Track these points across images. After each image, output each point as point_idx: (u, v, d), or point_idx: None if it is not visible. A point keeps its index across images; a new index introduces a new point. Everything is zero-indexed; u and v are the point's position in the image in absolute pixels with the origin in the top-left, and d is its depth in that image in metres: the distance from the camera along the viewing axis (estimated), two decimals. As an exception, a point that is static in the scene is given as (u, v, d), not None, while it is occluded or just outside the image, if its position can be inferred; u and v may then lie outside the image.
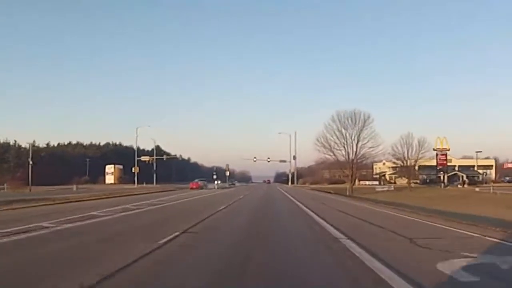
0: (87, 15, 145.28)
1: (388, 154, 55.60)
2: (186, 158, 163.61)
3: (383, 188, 50.87)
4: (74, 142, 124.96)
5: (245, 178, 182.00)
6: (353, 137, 47.15)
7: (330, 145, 47.88)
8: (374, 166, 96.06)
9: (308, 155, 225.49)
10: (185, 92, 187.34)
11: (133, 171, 68.56)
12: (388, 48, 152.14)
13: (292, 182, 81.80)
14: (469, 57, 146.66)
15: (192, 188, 50.99)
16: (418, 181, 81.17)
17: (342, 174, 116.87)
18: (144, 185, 65.02)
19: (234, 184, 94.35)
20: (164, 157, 77.84)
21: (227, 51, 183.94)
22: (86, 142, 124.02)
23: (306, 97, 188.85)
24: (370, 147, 47.17)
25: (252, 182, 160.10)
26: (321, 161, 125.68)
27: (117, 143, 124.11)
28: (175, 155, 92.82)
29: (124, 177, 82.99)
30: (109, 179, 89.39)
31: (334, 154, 48.31)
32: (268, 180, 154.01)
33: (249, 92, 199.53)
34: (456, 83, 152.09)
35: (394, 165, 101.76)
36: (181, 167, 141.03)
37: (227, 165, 79.68)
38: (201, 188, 52.88)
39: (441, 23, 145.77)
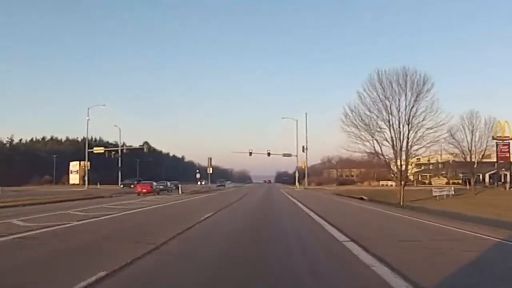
0: (87, 15, 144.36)
1: (445, 141, 37.06)
2: (180, 156, 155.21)
3: (441, 192, 33.90)
4: (48, 137, 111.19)
5: (244, 178, 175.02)
6: (402, 112, 29.97)
7: (368, 125, 30.46)
8: (391, 163, 78.56)
9: (309, 154, 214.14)
10: (185, 92, 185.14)
11: (82, 166, 51.97)
12: (388, 48, 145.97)
13: (300, 182, 63.55)
14: (469, 57, 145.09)
15: (140, 193, 33.63)
16: (459, 181, 63.78)
17: (350, 173, 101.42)
18: (98, 186, 48.74)
19: (223, 185, 75.67)
20: (124, 148, 60.27)
21: (227, 51, 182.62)
22: (62, 137, 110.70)
23: (306, 97, 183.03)
24: (429, 128, 29.88)
25: (252, 182, 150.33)
26: (326, 159, 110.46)
27: (97, 138, 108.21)
28: (141, 146, 75.92)
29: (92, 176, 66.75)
30: (74, 178, 73.13)
31: (374, 138, 30.72)
32: (269, 180, 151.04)
33: (249, 92, 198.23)
34: (456, 83, 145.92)
35: (418, 162, 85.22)
36: (173, 166, 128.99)
37: (210, 159, 61.86)
38: (157, 193, 35.26)
39: (441, 23, 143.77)
